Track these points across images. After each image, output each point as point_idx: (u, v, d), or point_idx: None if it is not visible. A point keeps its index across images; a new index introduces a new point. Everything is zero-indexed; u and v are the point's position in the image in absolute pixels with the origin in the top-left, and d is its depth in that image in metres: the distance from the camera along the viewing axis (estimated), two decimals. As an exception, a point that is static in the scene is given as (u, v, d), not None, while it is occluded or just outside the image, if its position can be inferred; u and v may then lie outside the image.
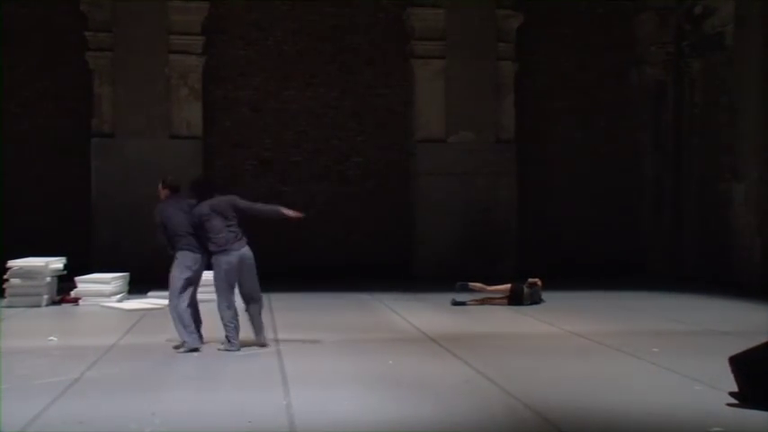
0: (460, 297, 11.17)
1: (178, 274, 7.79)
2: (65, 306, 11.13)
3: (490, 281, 11.66)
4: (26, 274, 10.99)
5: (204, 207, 7.84)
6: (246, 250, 7.91)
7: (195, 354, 7.66)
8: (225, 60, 15.42)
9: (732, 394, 5.62)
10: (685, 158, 15.39)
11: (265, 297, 11.72)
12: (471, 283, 11.31)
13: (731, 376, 5.67)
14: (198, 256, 7.85)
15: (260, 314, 8.06)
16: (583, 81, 16.06)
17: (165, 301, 9.33)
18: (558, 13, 15.97)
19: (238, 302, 7.99)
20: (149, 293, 11.35)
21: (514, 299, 11.08)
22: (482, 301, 11.16)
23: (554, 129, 16.02)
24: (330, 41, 15.72)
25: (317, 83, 15.75)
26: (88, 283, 11.40)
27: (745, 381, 5.57)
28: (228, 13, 15.40)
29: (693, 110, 15.24)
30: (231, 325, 7.78)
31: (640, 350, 7.59)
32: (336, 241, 15.49)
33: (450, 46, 15.18)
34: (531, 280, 11.31)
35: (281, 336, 8.60)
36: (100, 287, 11.31)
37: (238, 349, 7.70)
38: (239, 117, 15.60)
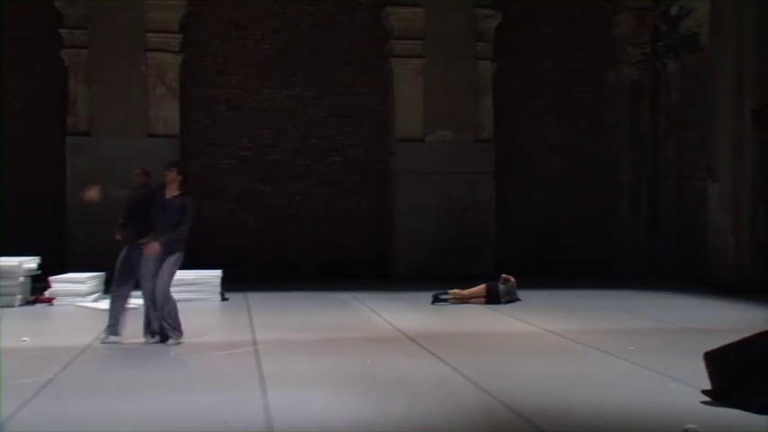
0: (441, 295, 11.20)
1: (176, 270, 8.04)
2: (39, 306, 11.00)
3: (469, 279, 11.70)
4: (-1, 273, 10.86)
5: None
6: None
7: (172, 353, 7.63)
8: (203, 59, 15.33)
9: (705, 392, 5.67)
10: (662, 158, 15.52)
11: (243, 296, 11.81)
12: (449, 293, 11.27)
13: (706, 373, 5.72)
14: None
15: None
16: (560, 81, 16.13)
17: (141, 301, 9.29)
18: (537, 13, 16.03)
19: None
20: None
21: (491, 297, 11.14)
22: (461, 299, 11.18)
23: (532, 128, 16.08)
24: (309, 40, 15.67)
25: (296, 81, 15.70)
26: (63, 283, 11.29)
27: (719, 377, 5.61)
28: (206, 11, 15.31)
29: (670, 109, 15.36)
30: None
31: (617, 348, 7.63)
32: (315, 240, 15.45)
33: (429, 45, 15.19)
34: (504, 276, 11.39)
35: (258, 336, 8.56)
36: (75, 287, 11.21)
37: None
38: (217, 115, 15.52)
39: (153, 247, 7.94)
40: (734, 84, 13.03)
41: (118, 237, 8.38)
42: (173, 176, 8.16)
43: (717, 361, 5.69)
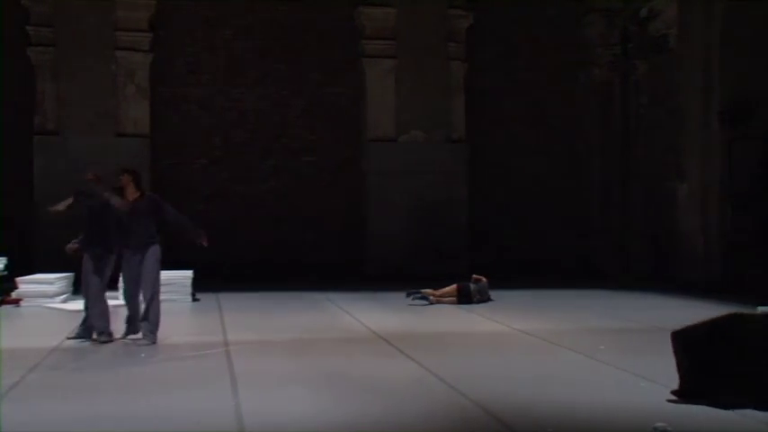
0: (416, 293, 11.20)
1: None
2: (6, 307, 10.82)
3: (442, 279, 11.71)
4: (-35, 274, 10.70)
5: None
6: None
7: (142, 354, 7.55)
8: (173, 58, 15.20)
9: (674, 392, 5.72)
10: (632, 158, 15.65)
11: (214, 296, 11.71)
12: (422, 292, 11.28)
13: (676, 372, 5.76)
14: None
15: None
16: (532, 81, 16.21)
17: (114, 301, 9.19)
18: (508, 14, 16.10)
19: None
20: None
21: (463, 297, 11.15)
22: (434, 299, 11.19)
23: (504, 128, 16.14)
24: (281, 40, 15.61)
25: (268, 81, 15.63)
26: (31, 284, 11.14)
27: (689, 364, 5.63)
28: (177, 10, 15.19)
29: (639, 110, 15.49)
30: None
31: (588, 348, 7.67)
32: (287, 240, 15.38)
33: (401, 45, 15.20)
34: (475, 276, 11.42)
35: (230, 336, 8.49)
36: (43, 288, 11.07)
37: None
38: (188, 115, 15.40)
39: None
40: (702, 85, 13.18)
41: (74, 250, 8.29)
42: (126, 180, 8.23)
43: (686, 345, 5.70)
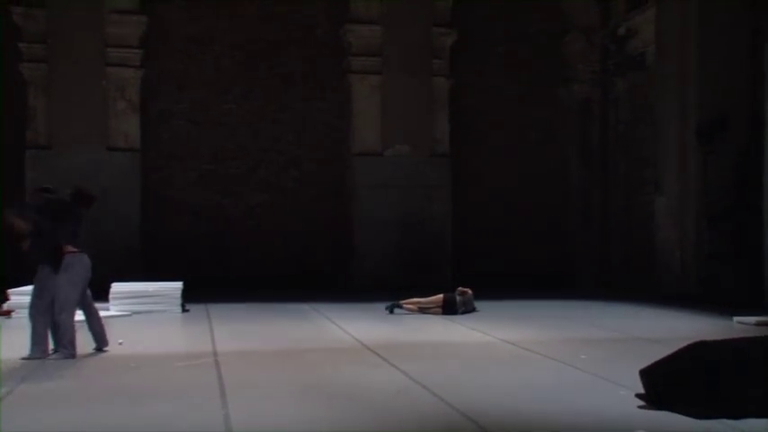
0: (394, 306, 11.24)
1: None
2: (-2, 319, 10.78)
3: (426, 290, 11.74)
4: (-44, 287, 10.61)
5: None
6: None
7: (132, 364, 7.51)
8: (163, 73, 15.21)
9: (639, 396, 5.80)
10: (611, 172, 15.77)
11: (203, 308, 11.68)
12: (405, 304, 11.31)
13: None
14: None
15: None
16: (514, 97, 16.32)
17: (104, 313, 9.15)
18: (491, 32, 16.22)
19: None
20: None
21: (448, 308, 11.18)
22: (419, 308, 11.22)
23: (487, 143, 16.23)
24: (268, 56, 15.65)
25: (256, 97, 15.65)
26: (22, 296, 11.04)
27: (656, 393, 5.74)
28: (167, 27, 15.21)
29: (618, 125, 15.62)
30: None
31: (569, 357, 7.70)
32: (275, 252, 15.38)
33: (386, 62, 15.27)
34: (460, 289, 11.46)
35: (219, 347, 8.47)
36: (34, 300, 10.95)
37: None
38: (178, 130, 15.41)
39: None
40: (678, 102, 13.30)
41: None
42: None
43: (649, 377, 5.83)
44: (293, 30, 15.76)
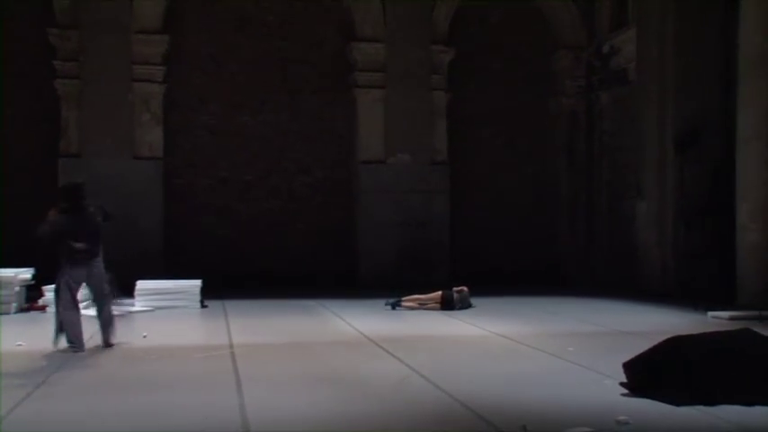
0: (395, 302, 11.27)
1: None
2: (33, 313, 10.83)
3: (426, 287, 11.76)
4: (-4, 283, 10.66)
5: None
6: None
7: (153, 356, 7.54)
8: (184, 88, 15.24)
9: (622, 384, 5.81)
10: (596, 178, 15.77)
11: (221, 304, 11.71)
12: (404, 302, 11.33)
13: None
14: None
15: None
16: (508, 109, 16.32)
17: (126, 308, 9.19)
18: (486, 50, 16.23)
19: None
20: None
21: (446, 304, 11.18)
22: (419, 304, 11.24)
23: (482, 151, 16.24)
24: (279, 72, 15.69)
25: (268, 109, 15.68)
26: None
27: (638, 382, 5.75)
28: (187, 46, 15.25)
29: (603, 135, 15.63)
30: None
31: (558, 349, 7.72)
32: (286, 253, 15.40)
33: (390, 77, 15.29)
34: (456, 288, 11.47)
35: (235, 339, 8.50)
36: (66, 296, 10.99)
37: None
38: (198, 140, 15.43)
39: None
40: (657, 114, 13.32)
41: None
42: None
43: (631, 368, 5.85)
44: (302, 47, 15.78)
